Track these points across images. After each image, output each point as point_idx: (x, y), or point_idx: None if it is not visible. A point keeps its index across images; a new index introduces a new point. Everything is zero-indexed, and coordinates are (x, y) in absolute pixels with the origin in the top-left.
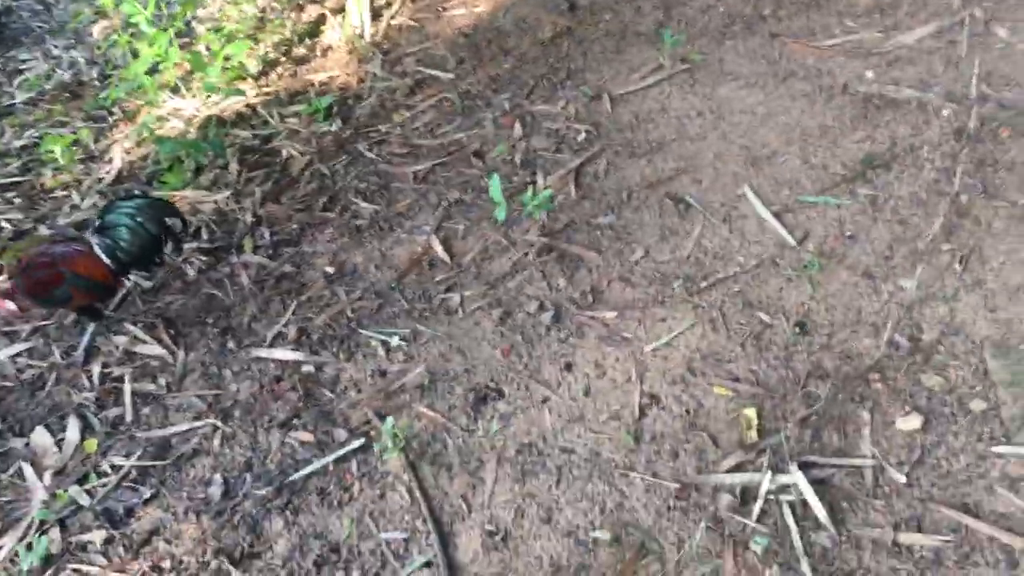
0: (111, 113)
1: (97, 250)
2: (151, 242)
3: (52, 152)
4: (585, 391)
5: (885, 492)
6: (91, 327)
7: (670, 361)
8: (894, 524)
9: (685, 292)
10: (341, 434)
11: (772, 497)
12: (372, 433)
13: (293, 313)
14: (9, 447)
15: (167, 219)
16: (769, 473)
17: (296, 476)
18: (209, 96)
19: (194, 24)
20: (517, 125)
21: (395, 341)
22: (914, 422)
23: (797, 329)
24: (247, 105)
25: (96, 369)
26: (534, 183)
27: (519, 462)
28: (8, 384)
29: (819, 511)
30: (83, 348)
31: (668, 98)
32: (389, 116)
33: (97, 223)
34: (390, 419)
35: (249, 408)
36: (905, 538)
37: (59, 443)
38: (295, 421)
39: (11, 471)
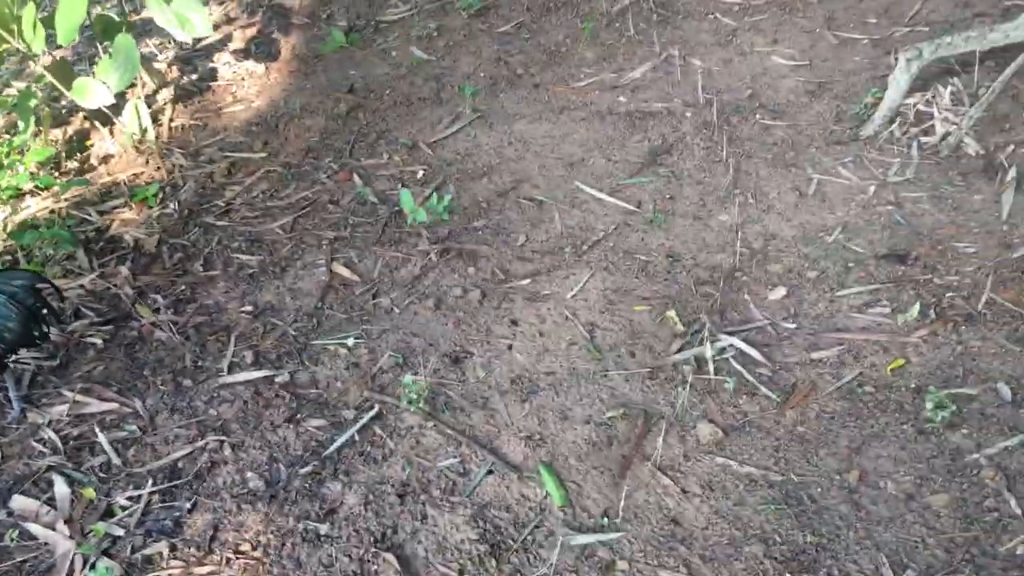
0: None
1: None
2: (31, 316)
3: None
4: (539, 333)
5: (785, 336)
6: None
7: (590, 300)
8: (804, 349)
9: (574, 255)
10: (349, 413)
11: (717, 358)
12: (376, 405)
13: (235, 345)
14: None
15: (42, 289)
16: (708, 344)
17: (329, 451)
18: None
19: None
20: (355, 176)
21: (351, 342)
22: (780, 292)
23: (670, 259)
24: (51, 211)
25: (49, 435)
26: (429, 197)
27: (516, 390)
28: None
29: (755, 354)
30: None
31: (476, 138)
32: (220, 193)
33: None
34: (408, 376)
35: (244, 420)
36: (815, 355)
37: (48, 501)
38: (297, 416)
39: (9, 537)
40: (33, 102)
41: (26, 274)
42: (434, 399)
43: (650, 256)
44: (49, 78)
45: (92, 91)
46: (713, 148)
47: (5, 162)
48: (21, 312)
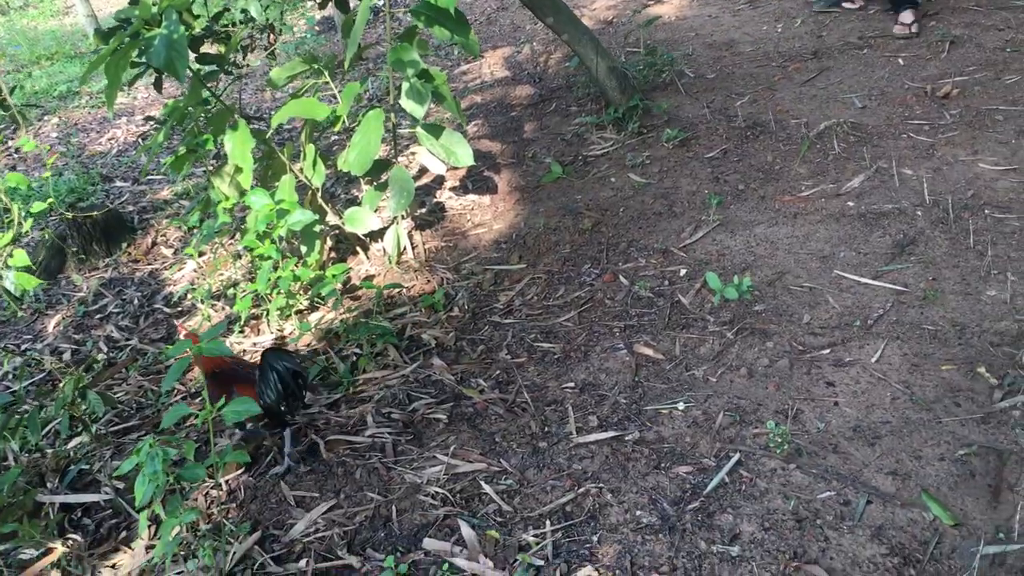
0: None
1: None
2: (281, 395)
3: None
4: (859, 392)
5: None
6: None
7: (894, 364)
8: None
9: (863, 328)
10: (709, 461)
11: None
12: (732, 453)
13: (575, 413)
14: (412, 559)
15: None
16: None
17: (707, 489)
18: (281, 328)
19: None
20: (620, 278)
21: (682, 405)
22: None
23: (956, 327)
24: (341, 320)
25: (435, 490)
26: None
27: (860, 437)
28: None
29: None
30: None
31: (722, 241)
32: (495, 298)
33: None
34: (771, 422)
35: (612, 471)
36: None
37: (457, 542)
38: (662, 465)
39: (440, 570)
40: (317, 228)
41: (293, 360)
42: (792, 440)
43: (936, 326)
44: (325, 207)
45: (364, 219)
46: (956, 238)
47: (305, 280)
48: (277, 390)
